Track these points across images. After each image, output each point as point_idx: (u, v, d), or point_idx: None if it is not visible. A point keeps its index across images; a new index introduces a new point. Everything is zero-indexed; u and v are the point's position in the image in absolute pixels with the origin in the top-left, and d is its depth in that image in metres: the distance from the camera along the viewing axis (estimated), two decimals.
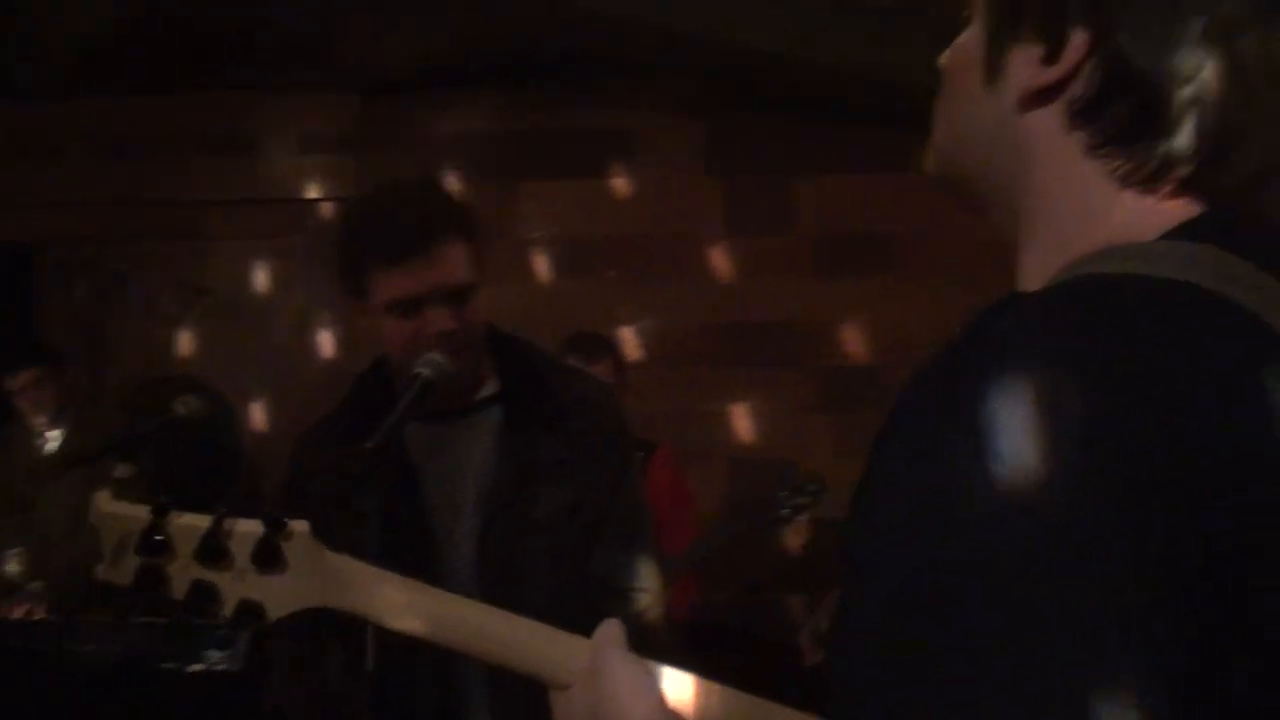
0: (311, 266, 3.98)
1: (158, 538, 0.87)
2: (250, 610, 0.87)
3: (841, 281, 3.81)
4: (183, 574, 0.87)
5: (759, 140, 3.84)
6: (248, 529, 0.87)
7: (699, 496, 3.14)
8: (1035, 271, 0.64)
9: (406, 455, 1.62)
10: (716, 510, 3.28)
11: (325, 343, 3.95)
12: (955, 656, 0.48)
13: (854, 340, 3.80)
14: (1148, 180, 0.62)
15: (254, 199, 4.01)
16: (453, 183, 3.88)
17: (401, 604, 0.86)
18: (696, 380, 3.67)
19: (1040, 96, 0.64)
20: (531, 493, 1.61)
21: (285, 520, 0.87)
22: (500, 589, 1.51)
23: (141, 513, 0.88)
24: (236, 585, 0.87)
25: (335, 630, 1.35)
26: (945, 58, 0.72)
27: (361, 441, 1.36)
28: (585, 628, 1.64)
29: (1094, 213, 0.63)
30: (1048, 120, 0.64)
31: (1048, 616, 0.47)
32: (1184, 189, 0.61)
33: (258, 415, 3.87)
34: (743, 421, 3.69)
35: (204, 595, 0.87)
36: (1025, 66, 0.64)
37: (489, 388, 1.71)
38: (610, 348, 3.06)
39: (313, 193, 3.98)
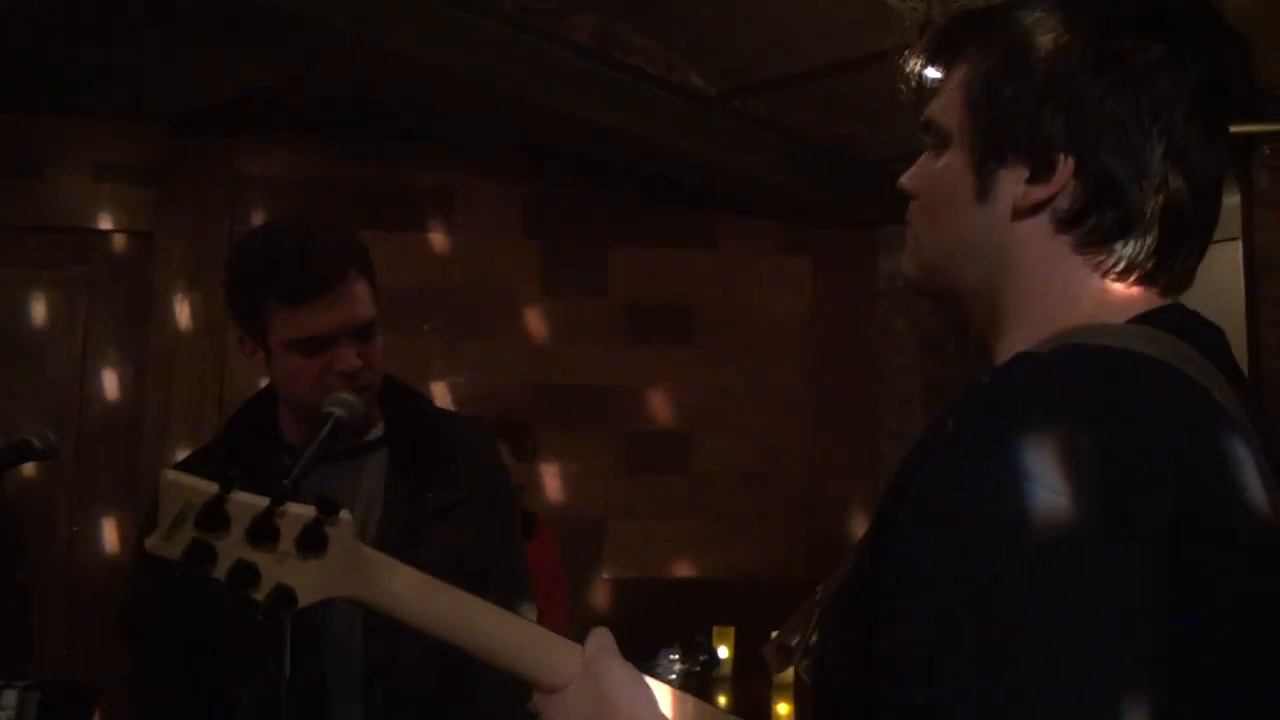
0: (97, 300, 3.75)
1: (221, 512, 0.87)
2: (283, 594, 0.87)
3: (650, 348, 3.94)
4: (230, 552, 0.88)
5: (576, 207, 3.94)
6: (299, 511, 0.89)
7: None
8: (1016, 346, 0.76)
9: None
10: None
11: (109, 382, 3.71)
12: (996, 661, 0.58)
13: (661, 405, 3.92)
14: (1123, 272, 0.76)
15: (36, 226, 3.74)
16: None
17: (417, 600, 0.89)
18: None
19: (1032, 209, 0.77)
20: (419, 537, 1.60)
21: (338, 505, 0.89)
22: (385, 633, 1.49)
23: (209, 487, 0.89)
24: (276, 568, 0.88)
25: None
26: (912, 180, 0.85)
27: (243, 474, 1.33)
28: (469, 674, 1.63)
29: (1073, 295, 0.76)
30: (1037, 226, 0.77)
31: (1078, 627, 0.58)
32: (1146, 277, 0.76)
33: None
34: (552, 482, 3.72)
35: (244, 575, 0.87)
36: (1014, 185, 0.77)
37: (376, 430, 1.69)
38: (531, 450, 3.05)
39: (105, 224, 3.75)
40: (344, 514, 0.90)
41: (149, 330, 3.71)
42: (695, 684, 3.16)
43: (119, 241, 3.78)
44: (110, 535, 3.61)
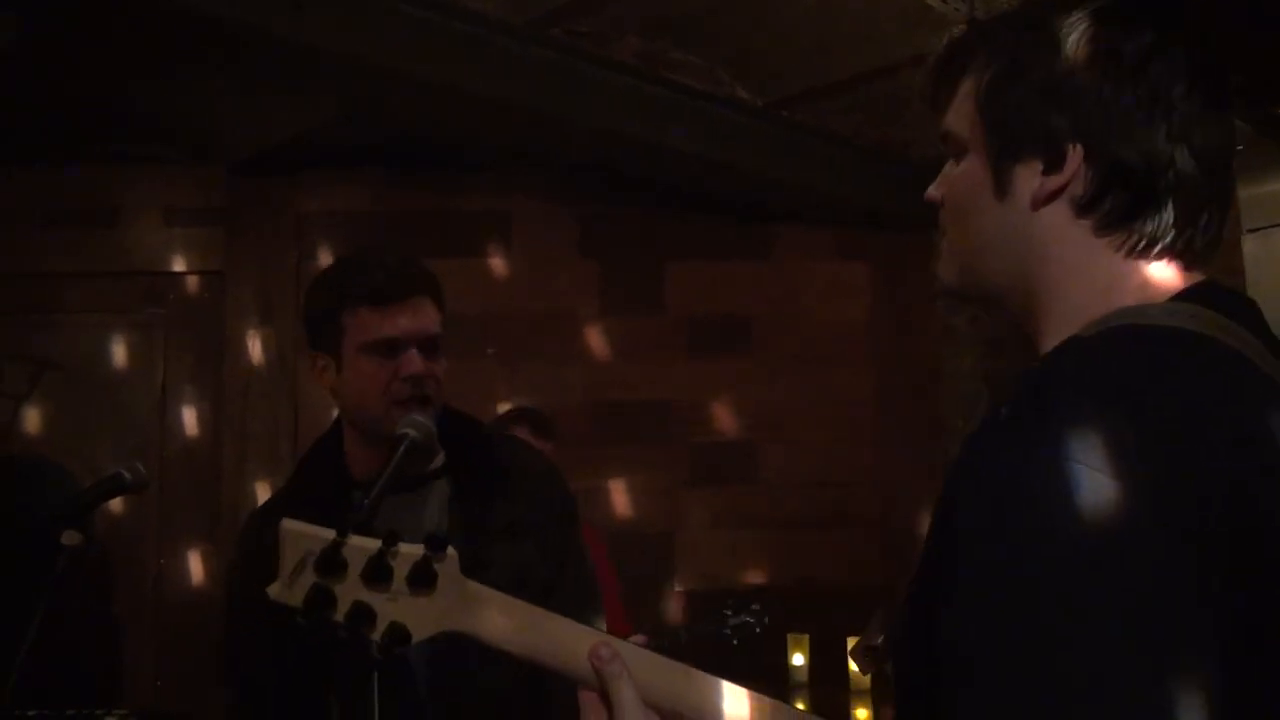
0: (173, 340, 3.87)
1: (339, 558, 0.90)
2: (397, 632, 0.90)
3: (709, 361, 3.96)
4: (347, 595, 0.90)
5: (630, 225, 3.99)
6: (410, 551, 0.91)
7: None
8: (1058, 333, 0.79)
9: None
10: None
11: (188, 419, 3.83)
12: (1048, 651, 0.60)
13: (723, 417, 3.94)
14: (1145, 249, 0.79)
15: (113, 271, 3.88)
16: (326, 260, 3.87)
17: (524, 630, 0.92)
18: (573, 457, 3.70)
19: (1049, 198, 0.81)
20: (483, 557, 1.63)
21: (446, 541, 0.91)
22: (449, 653, 1.53)
23: (326, 533, 0.91)
24: (389, 606, 0.90)
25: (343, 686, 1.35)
26: (938, 189, 0.89)
27: (318, 514, 1.38)
28: (537, 692, 1.65)
29: (1105, 278, 0.80)
30: (1057, 215, 0.81)
31: (1127, 613, 0.59)
32: (1169, 253, 0.79)
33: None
34: (619, 497, 3.76)
35: (361, 616, 0.90)
36: (1031, 178, 0.81)
37: (437, 460, 1.74)
38: (554, 431, 3.17)
39: (178, 266, 3.89)
40: (451, 550, 0.92)
41: (223, 367, 3.83)
42: (746, 637, 3.26)
43: (191, 283, 3.91)
44: (195, 567, 3.73)
